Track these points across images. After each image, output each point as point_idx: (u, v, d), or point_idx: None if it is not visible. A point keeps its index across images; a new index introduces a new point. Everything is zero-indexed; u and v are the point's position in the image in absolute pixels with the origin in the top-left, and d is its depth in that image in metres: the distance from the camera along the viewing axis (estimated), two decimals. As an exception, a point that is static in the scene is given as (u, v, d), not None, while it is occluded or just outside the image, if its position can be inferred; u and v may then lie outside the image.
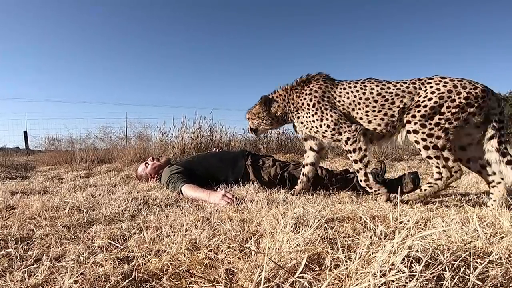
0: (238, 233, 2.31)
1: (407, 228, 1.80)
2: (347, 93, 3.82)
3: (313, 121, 3.90)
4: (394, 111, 3.64)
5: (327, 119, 3.80)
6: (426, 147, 3.44)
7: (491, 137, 3.44)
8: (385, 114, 3.67)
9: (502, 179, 3.46)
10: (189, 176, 4.42)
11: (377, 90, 3.72)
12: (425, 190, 3.53)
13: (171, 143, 10.85)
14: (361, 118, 3.77)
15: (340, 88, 3.88)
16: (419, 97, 3.54)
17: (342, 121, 3.77)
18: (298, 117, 4.07)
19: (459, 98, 3.38)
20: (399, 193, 3.47)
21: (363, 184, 3.75)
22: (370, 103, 3.72)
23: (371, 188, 3.70)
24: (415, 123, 3.47)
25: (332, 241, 2.01)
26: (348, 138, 3.73)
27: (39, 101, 35.46)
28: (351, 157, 3.77)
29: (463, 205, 3.29)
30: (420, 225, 2.40)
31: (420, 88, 3.58)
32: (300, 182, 4.22)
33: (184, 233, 2.38)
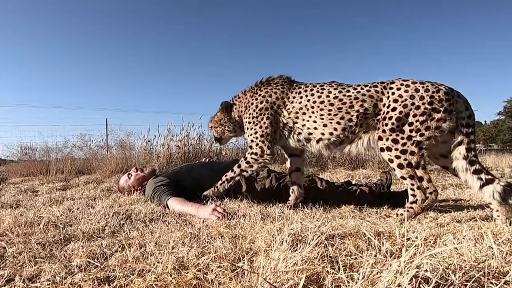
0: (229, 251, 2.30)
1: (415, 246, 1.80)
2: (301, 97, 4.00)
3: (249, 122, 4.20)
4: (352, 115, 3.73)
5: (260, 127, 4.10)
6: (400, 166, 3.52)
7: (459, 143, 3.47)
8: (342, 118, 3.77)
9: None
10: (176, 188, 4.41)
11: (335, 94, 3.85)
12: (401, 215, 3.51)
13: (156, 152, 10.82)
14: (315, 121, 3.90)
15: (295, 93, 4.07)
16: (384, 106, 3.64)
17: (269, 139, 4.11)
18: (245, 117, 4.28)
19: (423, 104, 3.45)
20: (406, 207, 3.48)
21: (220, 182, 4.25)
22: (325, 106, 3.84)
23: (217, 187, 4.24)
24: (387, 139, 3.55)
25: (332, 259, 2.01)
26: (255, 153, 4.11)
27: (9, 106, 35.38)
28: (241, 161, 4.20)
29: (477, 220, 3.30)
30: (430, 242, 2.40)
31: (382, 93, 3.68)
32: (292, 192, 4.25)
33: (170, 251, 2.36)
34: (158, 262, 2.12)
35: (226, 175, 4.23)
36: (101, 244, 2.62)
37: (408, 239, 2.37)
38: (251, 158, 4.13)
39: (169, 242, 2.52)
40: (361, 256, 2.06)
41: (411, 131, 3.45)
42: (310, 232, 2.38)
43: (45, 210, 4.01)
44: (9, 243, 2.72)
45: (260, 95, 4.20)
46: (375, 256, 2.02)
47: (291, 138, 4.12)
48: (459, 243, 2.25)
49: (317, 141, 3.95)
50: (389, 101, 3.59)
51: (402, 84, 3.60)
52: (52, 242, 2.73)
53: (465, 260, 1.86)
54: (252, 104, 4.21)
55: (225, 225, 3.03)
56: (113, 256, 2.35)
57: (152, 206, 4.11)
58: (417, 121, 3.43)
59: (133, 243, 2.61)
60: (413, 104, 3.46)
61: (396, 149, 3.49)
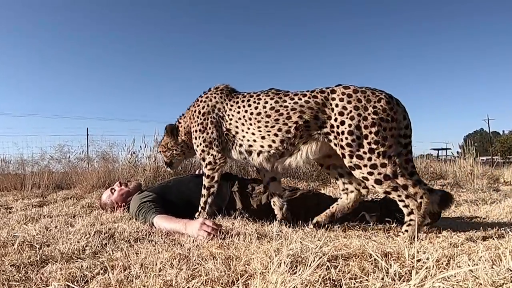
0: (222, 274, 2.29)
1: (426, 268, 1.81)
2: (239, 107, 4.20)
3: (196, 131, 4.41)
4: (290, 127, 3.85)
5: (207, 133, 4.31)
6: (378, 182, 3.55)
7: (398, 155, 3.61)
8: (279, 130, 3.90)
9: (357, 189, 3.99)
10: (163, 204, 4.41)
11: (271, 104, 3.98)
12: (407, 231, 3.52)
13: (142, 165, 10.73)
14: (253, 133, 4.06)
15: (233, 102, 4.28)
16: (329, 119, 3.74)
17: (217, 144, 4.32)
18: (192, 127, 4.53)
19: (369, 114, 3.55)
20: (416, 226, 3.48)
21: (199, 208, 4.33)
22: (262, 118, 3.99)
23: (200, 215, 4.26)
24: (351, 156, 3.62)
25: (336, 283, 2.01)
26: (210, 163, 4.31)
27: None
28: (203, 180, 4.34)
29: (494, 239, 3.30)
30: (442, 263, 2.40)
31: (324, 105, 3.78)
32: (274, 205, 4.35)
33: (157, 273, 2.35)
34: (144, 286, 2.12)
35: (200, 204, 4.35)
36: (81, 266, 2.60)
37: (418, 261, 2.38)
38: (209, 170, 4.34)
39: (156, 264, 2.51)
40: (367, 279, 2.06)
41: (369, 143, 3.53)
42: (311, 253, 2.38)
43: (20, 228, 4.02)
44: (-21, 265, 2.69)
45: (201, 101, 4.46)
46: (382, 279, 2.03)
47: (234, 150, 4.31)
48: (474, 264, 2.26)
49: (258, 154, 4.10)
50: (335, 114, 3.68)
51: (344, 94, 3.69)
52: (27, 264, 2.70)
53: (481, 284, 1.87)
54: (195, 111, 4.45)
55: (218, 245, 3.03)
56: (95, 279, 2.33)
57: (137, 224, 4.09)
58: (370, 132, 3.52)
59: (117, 264, 2.59)
60: (359, 115, 3.56)
61: (365, 165, 3.55)
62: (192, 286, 2.09)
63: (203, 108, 4.37)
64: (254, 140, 4.06)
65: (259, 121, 3.98)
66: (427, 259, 2.33)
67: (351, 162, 3.61)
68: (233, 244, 3.07)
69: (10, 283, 2.33)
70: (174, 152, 4.81)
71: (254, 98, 4.10)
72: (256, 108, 4.03)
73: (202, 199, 4.28)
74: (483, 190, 8.49)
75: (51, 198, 7.76)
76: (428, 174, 10.98)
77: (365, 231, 3.85)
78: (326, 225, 4.05)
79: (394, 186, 3.50)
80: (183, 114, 4.82)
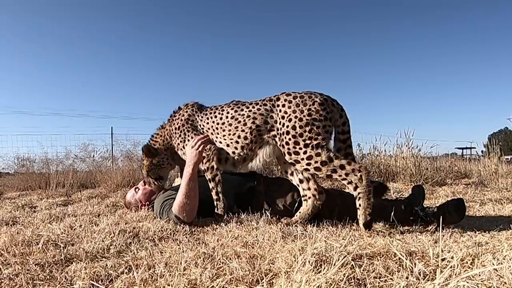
0: (247, 273, 2.30)
1: (451, 267, 1.80)
2: (208, 118, 4.63)
3: (178, 144, 4.80)
4: (246, 133, 4.28)
5: (188, 140, 4.66)
6: (317, 169, 3.91)
7: (338, 151, 4.06)
8: (239, 137, 4.33)
9: (314, 195, 4.19)
10: None
11: (231, 114, 4.44)
12: (360, 205, 3.78)
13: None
14: (220, 142, 4.49)
15: (203, 115, 4.72)
16: (275, 122, 4.19)
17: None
18: (175, 144, 4.93)
19: (304, 116, 3.96)
20: (441, 225, 3.46)
21: (215, 202, 4.41)
22: (226, 127, 4.43)
23: (218, 208, 4.38)
24: (289, 154, 4.03)
25: (360, 282, 2.01)
26: (203, 157, 4.48)
27: (4, 113, 35.43)
28: (206, 176, 4.46)
29: (519, 238, 3.26)
30: (466, 262, 2.38)
31: (272, 111, 4.23)
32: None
33: (182, 272, 2.36)
34: (169, 285, 2.13)
35: (214, 198, 4.47)
36: (106, 265, 2.62)
37: (443, 260, 2.37)
38: (205, 163, 4.52)
39: (181, 263, 2.51)
40: (391, 278, 2.06)
41: (304, 140, 3.92)
42: (336, 252, 2.38)
43: (45, 227, 4.03)
44: (4, 264, 2.72)
45: (175, 118, 4.91)
46: (407, 278, 2.02)
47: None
48: (499, 263, 2.24)
49: (225, 161, 4.51)
50: (279, 118, 4.11)
51: (286, 100, 4.11)
52: (52, 263, 2.72)
53: (505, 283, 1.85)
54: (173, 129, 4.89)
55: (242, 244, 3.04)
56: (119, 278, 2.36)
57: (162, 223, 4.07)
58: (305, 131, 3.92)
59: (141, 263, 2.62)
60: (296, 117, 3.97)
61: (303, 159, 3.94)
62: (217, 285, 2.10)
63: (177, 123, 4.81)
64: (222, 148, 4.47)
65: (223, 130, 4.43)
66: (452, 258, 2.32)
67: (291, 158, 4.02)
68: (257, 243, 3.07)
69: (34, 282, 2.35)
70: (162, 166, 5.16)
71: (219, 110, 4.56)
72: (220, 118, 4.49)
73: (213, 192, 4.40)
74: (507, 189, 8.37)
75: (75, 197, 7.78)
76: (453, 173, 10.86)
77: (390, 230, 3.82)
78: (351, 224, 4.05)
79: (332, 169, 3.84)
80: (156, 133, 5.22)
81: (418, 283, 1.85)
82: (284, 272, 2.17)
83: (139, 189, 5.35)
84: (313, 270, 2.07)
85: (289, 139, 3.96)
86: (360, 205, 3.75)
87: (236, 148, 4.36)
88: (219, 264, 2.53)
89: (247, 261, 2.52)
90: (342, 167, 3.81)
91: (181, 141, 4.74)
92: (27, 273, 2.48)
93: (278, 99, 4.21)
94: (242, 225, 3.84)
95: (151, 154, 5.08)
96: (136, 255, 2.92)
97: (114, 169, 11.54)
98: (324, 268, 2.10)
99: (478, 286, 1.65)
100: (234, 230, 3.59)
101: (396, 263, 2.34)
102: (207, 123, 4.59)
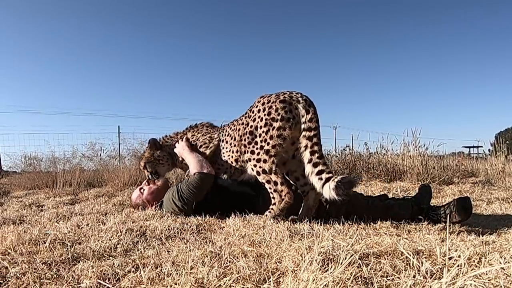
0: (254, 271, 2.30)
1: (458, 265, 1.79)
2: (219, 136, 4.99)
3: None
4: (236, 146, 4.56)
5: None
6: (258, 173, 4.20)
7: (305, 148, 4.02)
8: (232, 151, 4.67)
9: (313, 188, 4.11)
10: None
11: (227, 131, 4.82)
12: (266, 216, 4.08)
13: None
14: (223, 157, 4.83)
15: (216, 134, 5.04)
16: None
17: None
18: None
19: (264, 115, 4.15)
20: (448, 224, 3.45)
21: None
22: (227, 143, 4.77)
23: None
24: (246, 152, 4.34)
25: (367, 281, 2.01)
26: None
27: (10, 112, 35.43)
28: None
29: (527, 237, 3.26)
30: (474, 261, 2.37)
31: (250, 116, 4.41)
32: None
33: (189, 271, 2.37)
34: (176, 284, 2.13)
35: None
36: (113, 263, 2.62)
37: (450, 258, 2.36)
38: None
39: (188, 262, 2.52)
40: (398, 277, 2.06)
41: (261, 141, 4.15)
42: (343, 251, 2.38)
43: (52, 226, 4.04)
44: (11, 263, 2.71)
45: (197, 131, 5.24)
46: (414, 277, 2.02)
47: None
48: (506, 262, 2.24)
49: (224, 173, 4.85)
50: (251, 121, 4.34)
51: (258, 102, 4.33)
52: (59, 262, 2.72)
53: (514, 282, 1.84)
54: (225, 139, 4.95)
55: (249, 243, 3.03)
56: (126, 277, 2.36)
57: (169, 222, 4.06)
58: (263, 132, 4.13)
59: (148, 262, 2.62)
60: (259, 117, 4.19)
61: (253, 159, 4.20)
62: (224, 284, 2.10)
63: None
64: (226, 161, 4.77)
65: (223, 148, 4.81)
66: (459, 257, 2.31)
67: (247, 156, 4.33)
68: (264, 242, 3.06)
69: (41, 280, 2.36)
70: (160, 162, 5.38)
71: (225, 128, 4.93)
72: (223, 135, 4.86)
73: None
74: (515, 188, 8.35)
75: (82, 196, 7.80)
76: (460, 171, 10.81)
77: (396, 229, 3.82)
78: (358, 223, 4.04)
79: (268, 180, 4.11)
80: (170, 136, 5.54)
81: (425, 282, 1.85)
82: (291, 271, 2.17)
83: (144, 189, 5.28)
84: (320, 269, 2.07)
85: (251, 139, 4.24)
86: (266, 215, 4.09)
87: (232, 162, 4.68)
88: (226, 263, 2.53)
89: (254, 260, 2.51)
90: (275, 183, 4.05)
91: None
92: (34, 272, 2.48)
93: (255, 104, 4.40)
94: (249, 224, 3.84)
95: (155, 146, 5.33)
96: (143, 254, 2.92)
97: (121, 167, 11.48)
98: (331, 267, 2.09)
99: (485, 285, 1.65)
100: (241, 229, 3.59)
101: (403, 261, 2.34)
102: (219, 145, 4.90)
